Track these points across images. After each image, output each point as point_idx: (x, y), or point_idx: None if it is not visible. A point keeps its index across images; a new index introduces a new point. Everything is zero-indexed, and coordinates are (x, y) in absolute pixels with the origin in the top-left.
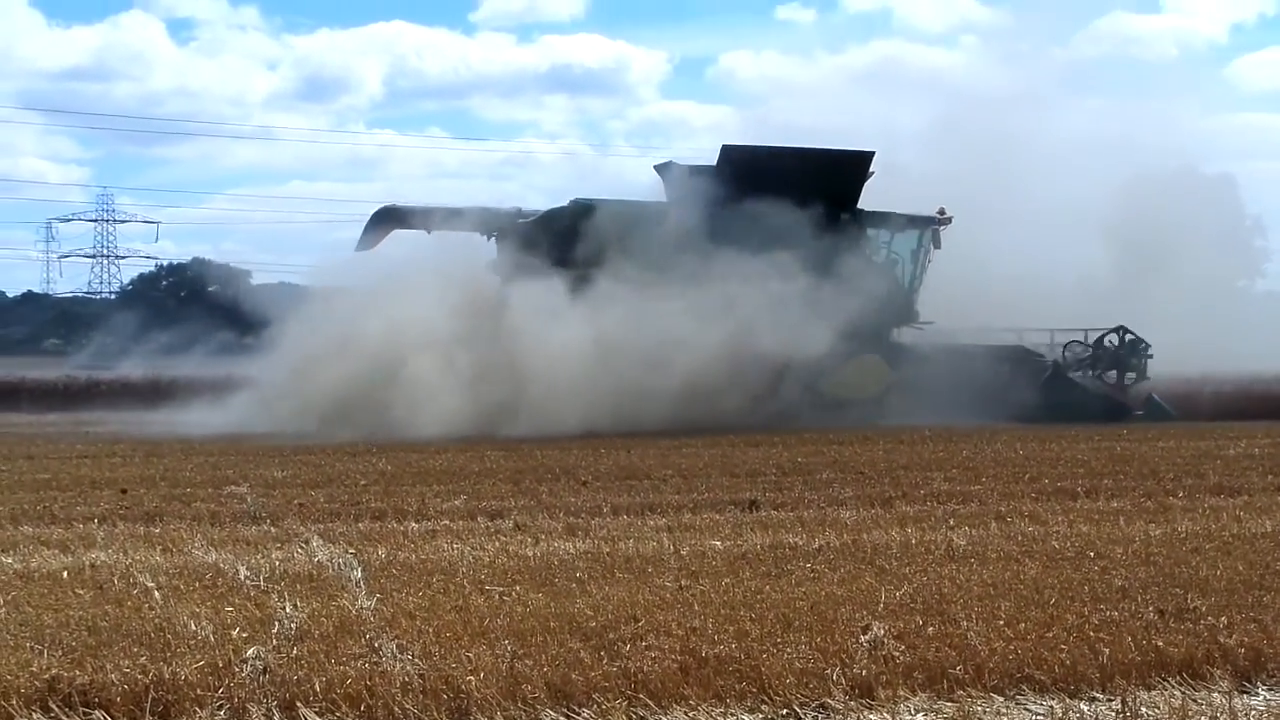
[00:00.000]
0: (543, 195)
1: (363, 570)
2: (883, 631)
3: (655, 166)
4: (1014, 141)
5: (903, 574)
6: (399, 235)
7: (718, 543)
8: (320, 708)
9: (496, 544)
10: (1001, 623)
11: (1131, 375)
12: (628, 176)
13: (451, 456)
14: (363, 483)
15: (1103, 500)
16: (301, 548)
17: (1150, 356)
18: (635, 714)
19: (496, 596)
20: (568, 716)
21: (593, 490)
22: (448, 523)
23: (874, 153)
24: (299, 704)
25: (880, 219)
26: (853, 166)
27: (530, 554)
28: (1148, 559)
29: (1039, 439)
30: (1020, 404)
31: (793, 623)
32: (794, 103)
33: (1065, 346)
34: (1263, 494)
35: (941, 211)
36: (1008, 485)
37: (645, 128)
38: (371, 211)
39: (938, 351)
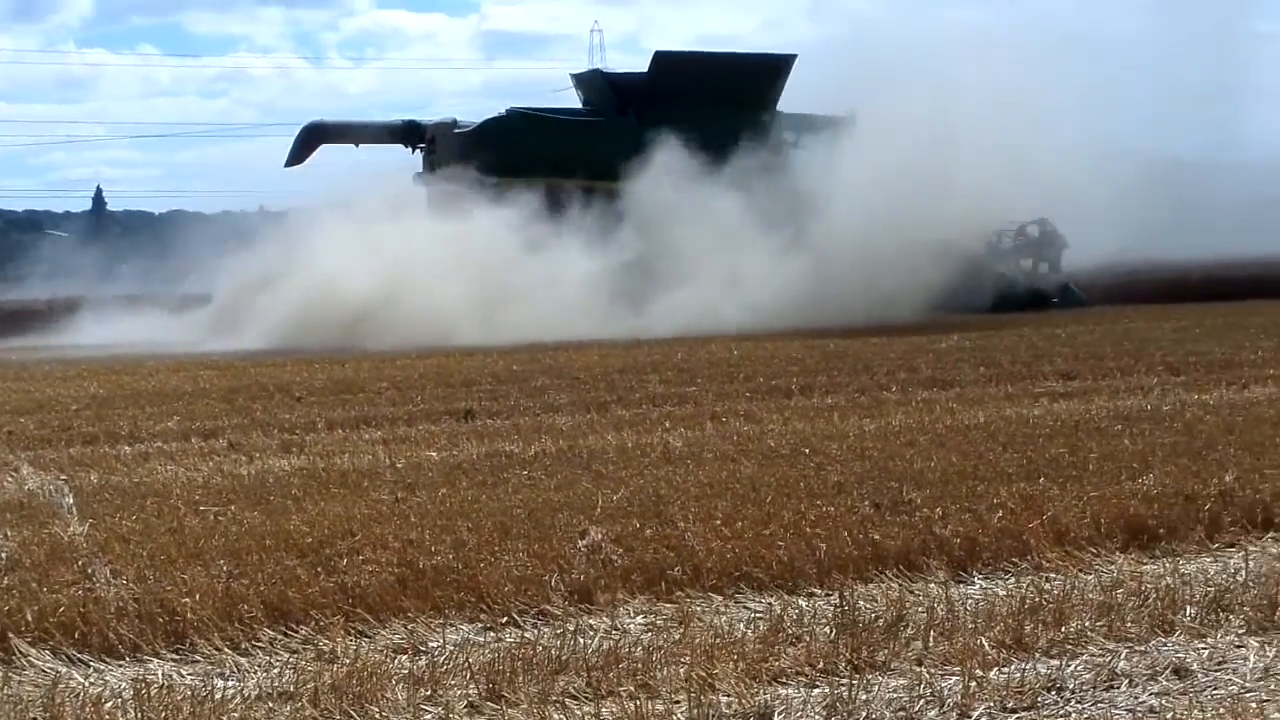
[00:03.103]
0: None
1: (74, 496)
2: (600, 536)
3: (574, 75)
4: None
5: (619, 478)
6: (327, 150)
7: (434, 454)
8: (33, 638)
9: (211, 464)
10: (719, 522)
11: (1045, 265)
12: (339, 89)
13: (164, 377)
14: (74, 408)
15: (817, 397)
16: (11, 476)
17: (1066, 248)
18: (353, 628)
19: (211, 517)
20: (285, 634)
21: (307, 406)
22: (161, 445)
23: (795, 55)
24: (10, 634)
25: (795, 120)
26: (774, 69)
27: (245, 473)
28: (862, 454)
29: (752, 339)
30: (947, 296)
31: (510, 531)
32: (505, 8)
33: (996, 237)
34: (974, 386)
35: (851, 113)
36: (722, 386)
37: (359, 38)
38: (300, 128)
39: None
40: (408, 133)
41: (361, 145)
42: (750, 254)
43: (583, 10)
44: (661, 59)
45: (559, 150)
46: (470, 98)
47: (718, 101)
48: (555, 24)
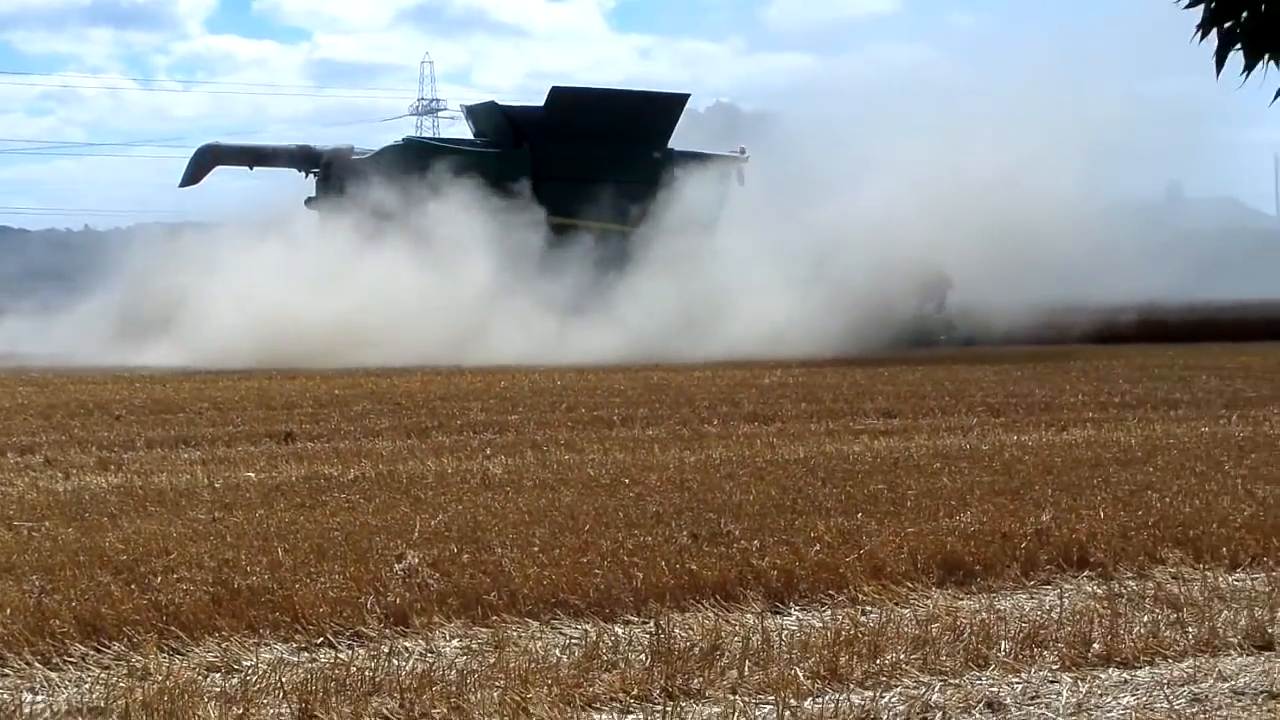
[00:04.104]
0: (82, 130)
1: None
2: (417, 560)
3: (467, 108)
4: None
5: (438, 503)
6: (220, 171)
7: (252, 475)
8: None
9: (26, 479)
10: (536, 549)
11: (931, 305)
12: (167, 112)
13: None
14: None
15: (639, 428)
16: None
17: (951, 288)
18: (167, 645)
19: (25, 532)
20: (98, 649)
21: (126, 424)
22: None
23: (689, 95)
24: None
25: (687, 157)
26: (667, 107)
27: (61, 489)
28: (682, 485)
29: (576, 371)
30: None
31: (327, 552)
32: (336, 38)
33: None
34: (795, 421)
35: (741, 150)
36: (544, 414)
37: (190, 61)
38: (195, 149)
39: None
40: (303, 158)
41: (256, 168)
42: (626, 287)
43: (413, 42)
44: (558, 94)
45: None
46: (301, 124)
47: (612, 137)
48: (386, 54)
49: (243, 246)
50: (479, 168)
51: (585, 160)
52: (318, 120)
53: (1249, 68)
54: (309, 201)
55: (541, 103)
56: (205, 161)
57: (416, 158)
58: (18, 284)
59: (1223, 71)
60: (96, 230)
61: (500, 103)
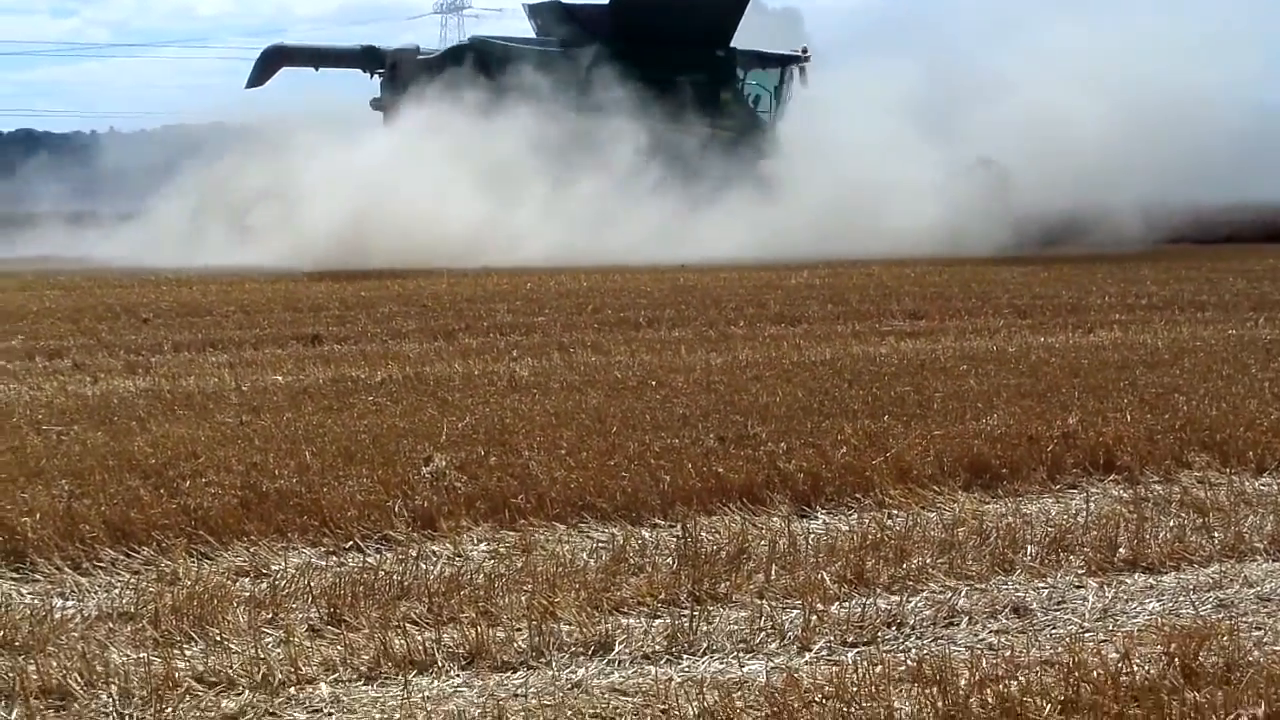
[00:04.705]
0: (107, 30)
1: None
2: (444, 463)
3: (529, 6)
4: None
5: (465, 406)
6: (287, 72)
7: (280, 378)
8: None
9: (55, 384)
10: (563, 452)
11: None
12: (191, 11)
13: (9, 296)
14: None
15: (665, 330)
16: None
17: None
18: (196, 550)
19: (54, 436)
20: (127, 554)
21: (154, 328)
22: (3, 363)
23: None
24: None
25: (749, 56)
26: (731, 5)
27: (89, 393)
28: (709, 387)
29: (600, 271)
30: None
31: (355, 456)
32: None
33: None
34: (821, 323)
35: (804, 50)
36: (571, 317)
37: None
38: (260, 50)
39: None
40: (368, 58)
41: (321, 69)
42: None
43: None
44: None
45: (523, 78)
46: (326, 24)
47: (678, 36)
48: None
49: (333, 146)
50: (548, 68)
51: (651, 59)
52: (341, 19)
53: None
54: (374, 103)
55: (605, 1)
56: (270, 62)
57: (485, 57)
58: (96, 187)
59: None
60: (121, 132)
61: (564, 1)
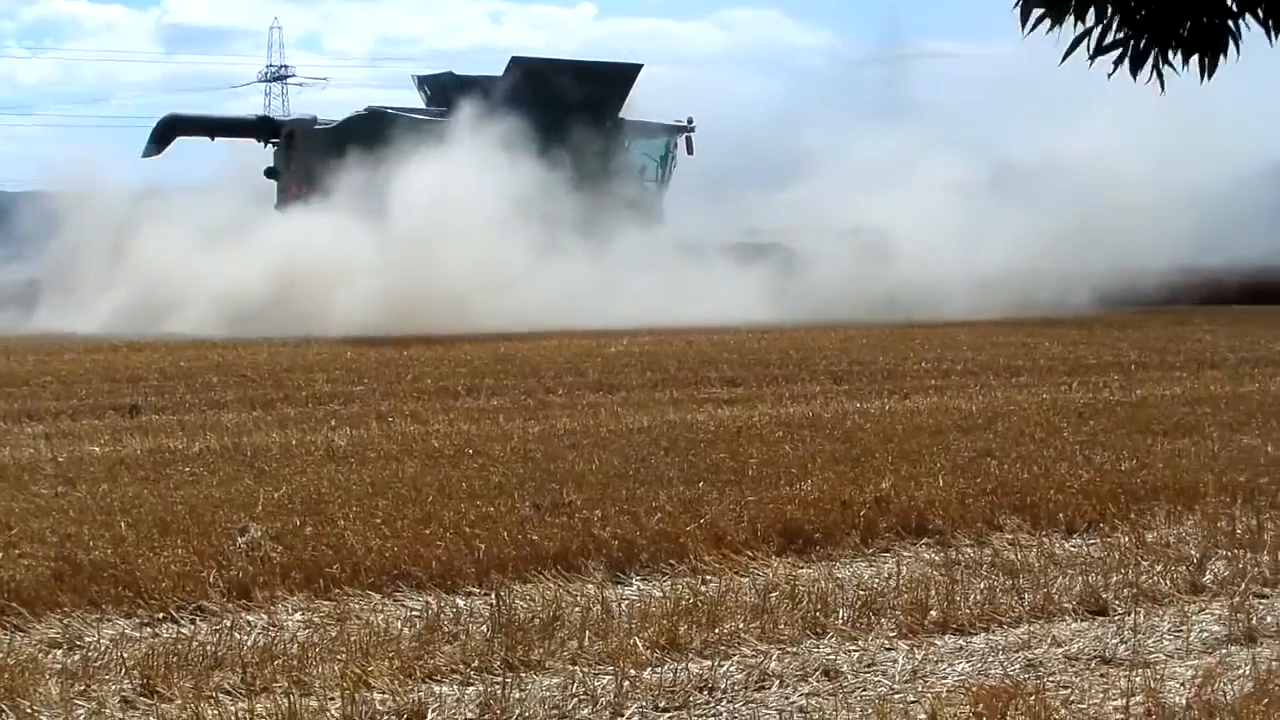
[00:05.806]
0: None
1: None
2: (260, 533)
3: (419, 77)
4: None
5: (282, 475)
6: (182, 142)
7: (96, 448)
8: None
9: None
10: (379, 521)
11: None
12: (14, 79)
13: None
14: None
15: (484, 399)
16: None
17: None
18: (8, 622)
19: None
20: None
21: None
22: None
23: (642, 65)
24: None
25: (636, 127)
26: (621, 78)
27: None
28: (525, 455)
29: (422, 343)
30: None
31: (170, 527)
32: (187, 2)
33: None
34: (640, 391)
35: (689, 120)
36: (390, 385)
37: (38, 27)
38: (157, 120)
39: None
40: (263, 128)
41: (217, 139)
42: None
43: (263, 7)
44: (517, 63)
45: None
46: (150, 91)
47: (569, 106)
48: (236, 18)
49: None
50: (440, 136)
51: (543, 129)
52: (168, 87)
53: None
54: (269, 172)
55: (491, 72)
56: (167, 131)
57: (381, 127)
58: None
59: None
60: None
61: (457, 73)
